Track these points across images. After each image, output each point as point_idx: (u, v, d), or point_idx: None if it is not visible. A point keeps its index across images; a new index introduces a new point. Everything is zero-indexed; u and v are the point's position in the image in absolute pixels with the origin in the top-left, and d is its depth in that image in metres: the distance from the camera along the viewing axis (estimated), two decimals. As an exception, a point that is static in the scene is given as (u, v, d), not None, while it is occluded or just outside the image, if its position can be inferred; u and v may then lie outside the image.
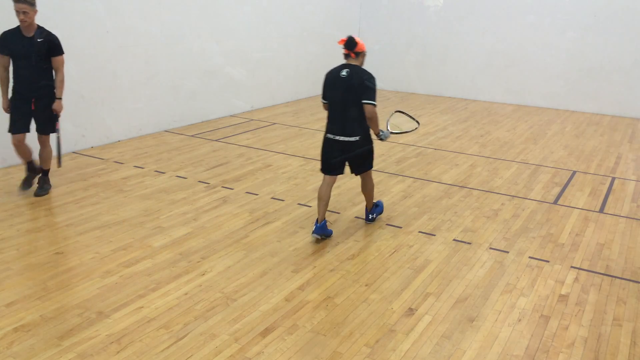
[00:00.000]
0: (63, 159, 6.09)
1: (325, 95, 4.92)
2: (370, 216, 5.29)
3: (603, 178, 6.94)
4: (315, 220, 4.96)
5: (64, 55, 5.50)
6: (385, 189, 6.17)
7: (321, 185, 4.93)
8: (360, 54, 4.97)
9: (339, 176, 5.04)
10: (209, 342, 3.40)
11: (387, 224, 5.27)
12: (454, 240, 4.99)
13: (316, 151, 7.62)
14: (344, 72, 4.79)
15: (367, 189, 5.15)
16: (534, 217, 5.59)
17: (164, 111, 8.34)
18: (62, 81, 5.50)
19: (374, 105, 4.69)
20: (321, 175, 5.01)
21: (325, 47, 11.96)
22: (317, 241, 4.85)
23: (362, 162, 4.97)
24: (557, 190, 6.42)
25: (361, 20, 12.92)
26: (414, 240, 4.94)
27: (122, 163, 6.76)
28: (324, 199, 4.88)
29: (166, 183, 6.14)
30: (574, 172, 7.11)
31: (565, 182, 6.72)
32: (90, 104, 7.24)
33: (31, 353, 3.25)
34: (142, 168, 6.61)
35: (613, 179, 6.92)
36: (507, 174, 6.95)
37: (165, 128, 8.41)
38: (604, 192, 6.43)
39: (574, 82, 11.16)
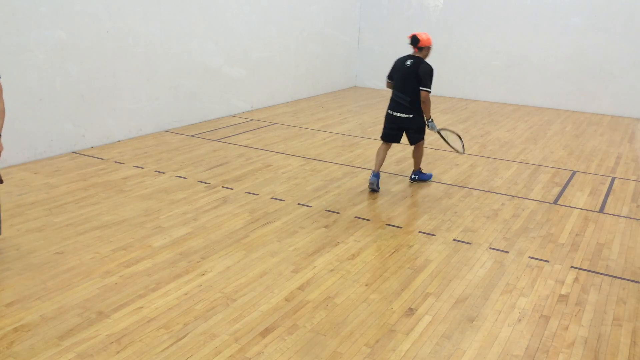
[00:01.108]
0: (3, 226, 4.68)
1: (391, 76, 6.09)
2: (414, 176, 6.35)
3: (603, 178, 6.94)
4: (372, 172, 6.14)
5: (2, 79, 4.31)
6: (385, 189, 6.17)
7: (379, 147, 6.20)
8: (424, 48, 6.00)
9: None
10: (209, 342, 3.40)
11: (387, 224, 5.28)
12: (454, 240, 4.99)
13: (316, 151, 7.63)
14: (408, 62, 5.92)
15: (416, 154, 6.28)
16: (534, 217, 5.59)
17: (164, 111, 8.35)
18: (3, 113, 4.09)
19: (428, 91, 5.84)
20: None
21: (325, 47, 12.00)
22: (371, 192, 6.04)
23: (415, 135, 6.09)
24: (557, 190, 6.42)
25: (361, 20, 12.92)
26: (414, 240, 4.94)
27: (122, 163, 6.76)
28: (380, 156, 6.11)
29: (166, 183, 6.14)
30: (574, 172, 7.11)
31: (565, 182, 6.72)
32: (90, 104, 7.25)
33: (31, 353, 3.25)
34: (142, 168, 6.61)
35: (613, 179, 6.92)
36: (507, 174, 6.95)
37: (165, 128, 8.41)
38: (604, 192, 6.43)
39: (574, 82, 11.16)
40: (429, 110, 5.92)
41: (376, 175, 6.01)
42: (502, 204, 5.92)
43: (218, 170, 6.66)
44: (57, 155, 6.93)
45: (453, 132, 6.37)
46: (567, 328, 3.70)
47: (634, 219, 5.66)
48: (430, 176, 6.48)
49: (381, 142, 6.25)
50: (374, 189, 5.99)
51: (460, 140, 6.31)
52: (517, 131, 9.28)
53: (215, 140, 7.97)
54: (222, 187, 6.09)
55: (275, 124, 9.18)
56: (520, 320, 3.77)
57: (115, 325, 3.53)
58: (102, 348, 3.31)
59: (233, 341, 3.42)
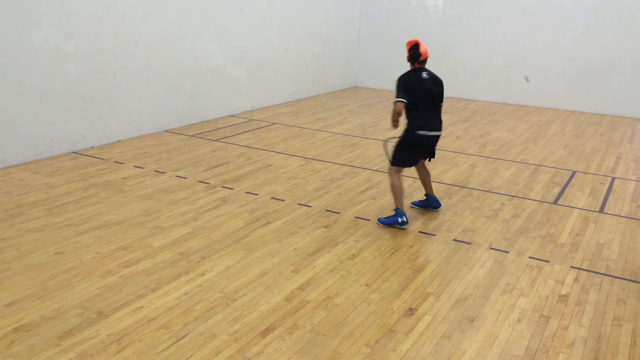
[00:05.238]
0: None
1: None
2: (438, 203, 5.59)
3: (603, 178, 6.94)
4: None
5: None
6: (386, 189, 6.16)
7: (400, 179, 5.29)
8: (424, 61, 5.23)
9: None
10: (209, 342, 3.40)
11: (387, 224, 5.27)
12: (454, 240, 4.99)
13: (316, 151, 7.63)
14: (424, 74, 5.09)
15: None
16: (534, 217, 5.59)
17: (164, 111, 8.35)
18: None
19: (395, 101, 5.01)
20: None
21: (325, 47, 12.00)
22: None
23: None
24: (557, 190, 6.42)
25: (361, 20, 12.92)
26: (414, 240, 4.94)
27: (122, 163, 6.76)
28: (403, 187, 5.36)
29: (166, 183, 6.14)
30: (574, 172, 7.11)
31: (565, 182, 6.72)
32: (90, 104, 7.25)
33: (31, 353, 3.25)
34: (142, 168, 6.61)
35: (613, 179, 6.92)
36: (507, 174, 6.95)
37: (165, 128, 8.41)
38: (604, 192, 6.43)
39: (574, 82, 11.16)
40: (391, 118, 5.14)
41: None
42: (502, 204, 5.92)
43: (218, 170, 6.66)
44: (57, 155, 6.93)
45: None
46: (567, 328, 3.70)
47: (634, 219, 5.66)
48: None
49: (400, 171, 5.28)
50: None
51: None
52: (517, 131, 9.28)
53: (215, 140, 7.97)
54: (222, 187, 6.09)
55: (275, 124, 9.17)
56: (520, 320, 3.77)
57: (115, 325, 3.53)
58: (102, 348, 3.31)
59: (233, 341, 3.42)
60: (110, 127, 7.58)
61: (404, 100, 4.96)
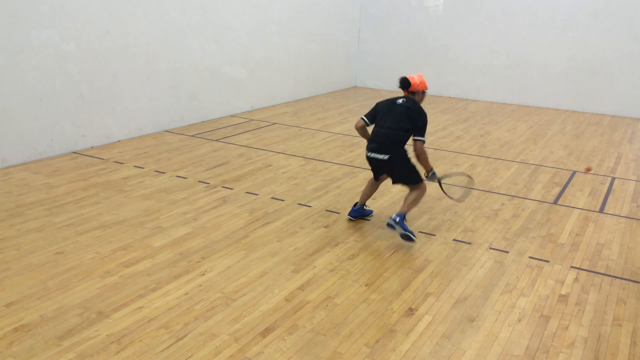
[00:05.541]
0: None
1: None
2: (397, 218, 4.75)
3: (603, 178, 6.94)
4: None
5: None
6: (386, 189, 6.16)
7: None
8: (418, 93, 5.04)
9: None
10: (209, 342, 3.40)
11: (387, 224, 5.26)
12: (454, 240, 4.99)
13: (316, 151, 7.63)
14: (400, 100, 5.00)
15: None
16: (534, 217, 5.59)
17: (164, 111, 8.35)
18: None
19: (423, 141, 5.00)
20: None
21: (325, 47, 12.00)
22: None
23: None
24: (557, 190, 6.42)
25: (361, 20, 12.92)
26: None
27: (122, 163, 6.76)
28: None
29: (166, 183, 6.14)
30: (574, 172, 7.11)
31: (565, 182, 6.72)
32: (90, 104, 7.25)
33: (31, 353, 3.25)
34: (142, 168, 6.61)
35: (613, 179, 6.92)
36: (507, 174, 6.95)
37: (165, 128, 8.41)
38: (604, 192, 6.43)
39: (574, 82, 11.16)
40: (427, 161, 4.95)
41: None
42: (502, 204, 5.92)
43: (218, 170, 6.66)
44: (57, 155, 6.93)
45: (459, 174, 5.70)
46: (567, 328, 3.70)
47: (634, 219, 5.66)
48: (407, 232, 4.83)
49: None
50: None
51: (467, 178, 5.50)
52: (517, 131, 9.28)
53: (215, 140, 7.97)
54: (222, 187, 6.09)
55: (275, 124, 9.18)
56: (520, 320, 3.77)
57: (115, 325, 3.53)
58: (102, 348, 3.31)
59: (233, 341, 3.42)
60: (110, 127, 7.58)
61: (363, 118, 5.14)
